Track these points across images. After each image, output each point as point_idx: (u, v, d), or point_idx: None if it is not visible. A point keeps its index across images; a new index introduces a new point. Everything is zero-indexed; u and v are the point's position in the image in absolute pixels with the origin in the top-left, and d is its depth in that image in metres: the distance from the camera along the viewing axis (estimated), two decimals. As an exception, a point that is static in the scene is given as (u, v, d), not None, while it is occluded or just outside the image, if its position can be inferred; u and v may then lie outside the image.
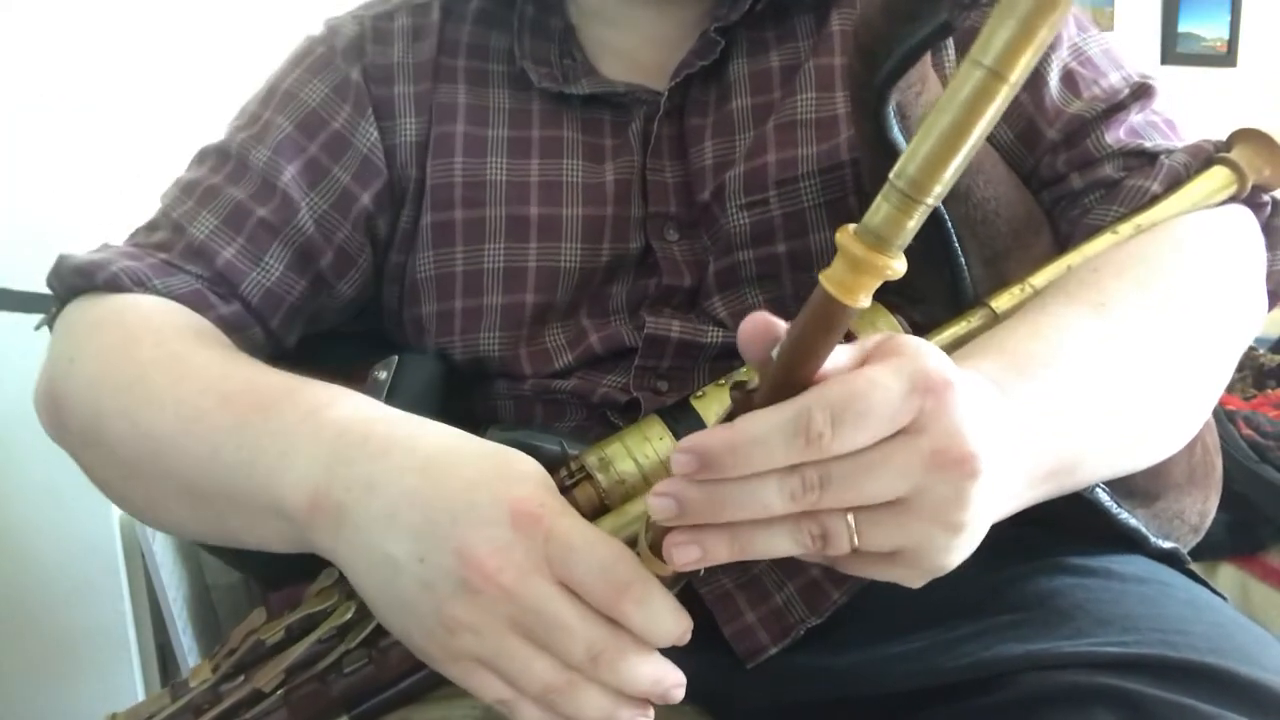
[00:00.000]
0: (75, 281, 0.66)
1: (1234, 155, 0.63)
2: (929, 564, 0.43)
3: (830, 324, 0.38)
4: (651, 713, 0.47)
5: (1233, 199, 0.64)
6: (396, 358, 0.68)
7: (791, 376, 0.40)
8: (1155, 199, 0.62)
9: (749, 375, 0.51)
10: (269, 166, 0.70)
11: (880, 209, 0.35)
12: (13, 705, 1.26)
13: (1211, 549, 1.27)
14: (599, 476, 0.54)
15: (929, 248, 0.59)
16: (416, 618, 0.47)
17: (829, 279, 0.37)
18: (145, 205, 0.73)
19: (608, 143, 0.70)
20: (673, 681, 0.46)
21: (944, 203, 0.59)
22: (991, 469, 0.42)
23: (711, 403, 0.57)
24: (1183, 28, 2.46)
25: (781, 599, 0.61)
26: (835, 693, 0.60)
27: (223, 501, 0.55)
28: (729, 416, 0.41)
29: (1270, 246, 0.65)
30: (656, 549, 0.43)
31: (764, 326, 0.41)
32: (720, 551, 0.42)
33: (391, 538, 0.47)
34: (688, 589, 0.47)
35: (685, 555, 0.42)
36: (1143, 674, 0.51)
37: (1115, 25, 2.49)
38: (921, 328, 0.59)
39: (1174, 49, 2.46)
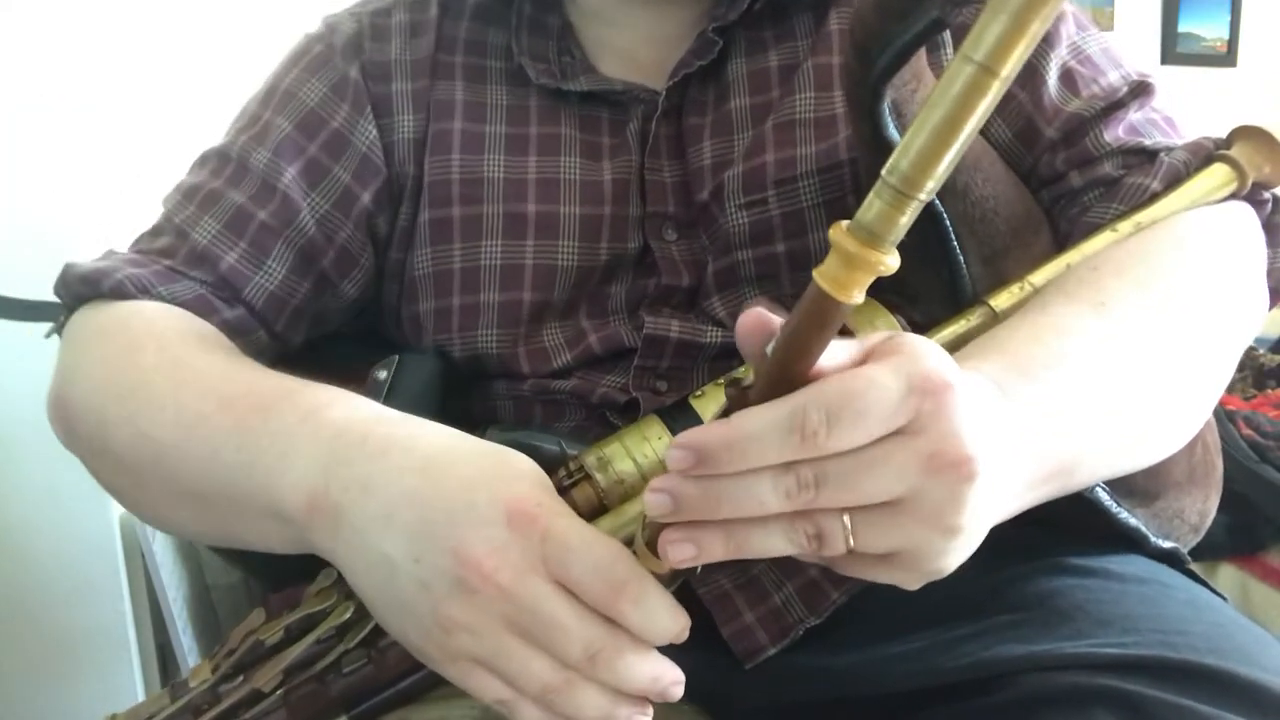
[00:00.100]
0: (81, 290, 0.67)
1: (1234, 152, 0.63)
2: (926, 566, 0.43)
3: (824, 320, 0.38)
4: (650, 711, 0.46)
5: (1233, 196, 0.64)
6: (397, 358, 0.68)
7: (786, 373, 0.40)
8: (1155, 197, 0.62)
9: (746, 373, 0.51)
10: (269, 168, 0.70)
11: (873, 205, 0.35)
12: (13, 705, 1.26)
13: (1211, 549, 1.27)
14: (598, 476, 0.54)
15: (927, 246, 0.59)
16: (414, 618, 0.47)
17: (822, 275, 0.37)
18: (145, 205, 0.73)
19: (605, 141, 0.70)
20: (671, 679, 0.46)
21: (942, 201, 0.59)
22: (989, 472, 0.41)
23: (710, 402, 0.57)
24: (1183, 28, 2.46)
25: (780, 599, 0.61)
26: (834, 693, 0.60)
27: (225, 504, 0.56)
28: (725, 413, 0.41)
29: (1271, 243, 0.65)
30: (653, 547, 0.43)
31: (760, 321, 0.41)
32: (715, 549, 0.42)
33: (388, 538, 0.47)
34: (686, 589, 0.47)
35: (680, 552, 0.42)
36: (1142, 675, 0.51)
37: (1115, 25, 2.50)
38: (921, 327, 0.59)
39: (1174, 49, 2.46)
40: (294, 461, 0.51)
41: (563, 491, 0.53)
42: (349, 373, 0.66)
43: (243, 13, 1.41)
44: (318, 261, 0.71)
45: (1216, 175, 0.63)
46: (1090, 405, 0.51)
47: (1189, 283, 0.58)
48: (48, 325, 0.71)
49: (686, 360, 0.67)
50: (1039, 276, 0.59)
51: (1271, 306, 0.65)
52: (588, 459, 0.55)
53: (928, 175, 0.34)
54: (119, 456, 0.60)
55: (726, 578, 0.62)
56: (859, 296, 0.37)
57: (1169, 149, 0.64)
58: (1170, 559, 0.65)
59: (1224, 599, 0.63)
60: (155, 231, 0.71)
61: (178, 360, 0.60)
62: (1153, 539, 0.64)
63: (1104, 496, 0.61)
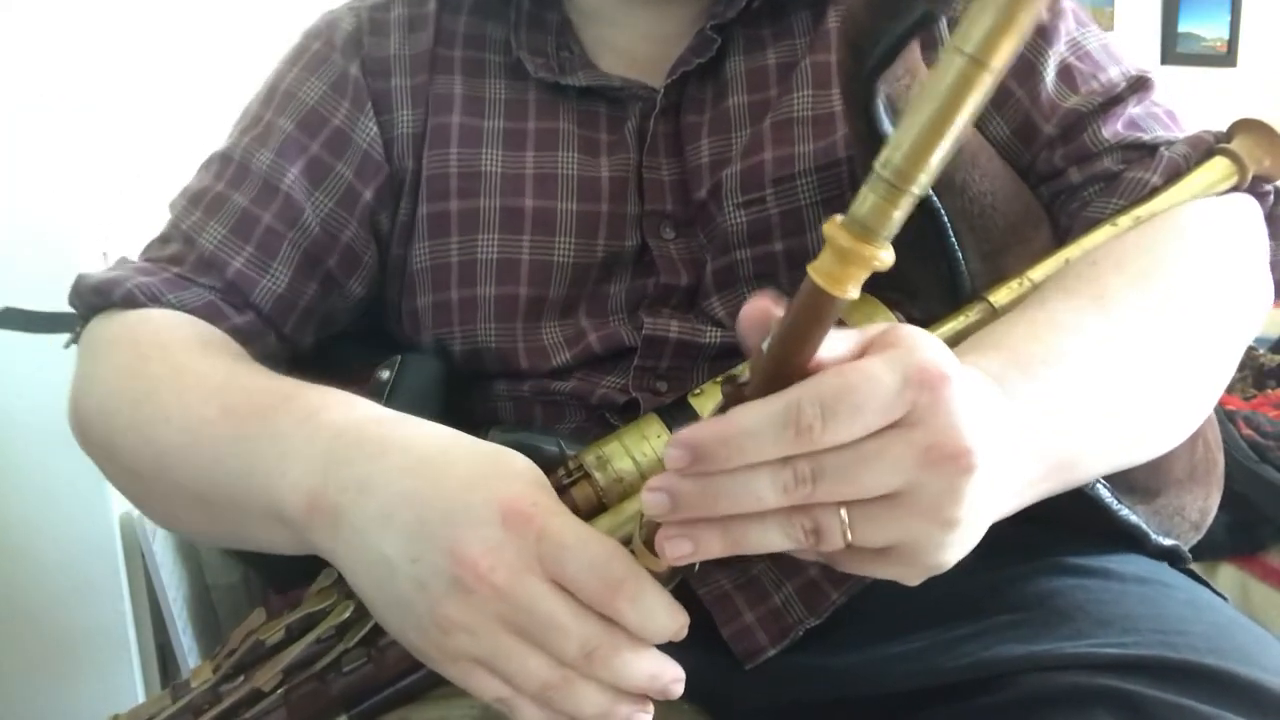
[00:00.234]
0: (94, 300, 0.68)
1: (1234, 146, 0.63)
2: (925, 560, 0.43)
3: (819, 315, 0.38)
4: (651, 708, 0.46)
5: (1233, 190, 0.63)
6: (400, 358, 0.68)
7: (782, 368, 0.40)
8: (1155, 191, 0.62)
9: (744, 371, 0.51)
10: (272, 169, 0.70)
11: (866, 199, 0.35)
12: (13, 705, 1.26)
13: (1211, 549, 1.27)
14: (597, 475, 0.54)
15: (926, 242, 0.59)
16: (412, 618, 0.47)
17: (817, 270, 0.37)
18: (145, 205, 0.74)
19: (603, 138, 0.70)
20: (671, 676, 0.46)
21: (940, 197, 0.59)
22: (988, 465, 0.41)
23: (709, 400, 0.57)
24: (1183, 28, 2.46)
25: (780, 599, 0.61)
26: (834, 693, 0.59)
27: (230, 508, 0.56)
28: (722, 410, 0.41)
29: (1274, 235, 0.65)
30: (651, 545, 0.43)
31: (762, 313, 0.41)
32: (713, 545, 0.42)
33: (386, 538, 0.47)
34: (686, 589, 0.47)
35: (677, 549, 0.42)
36: (1142, 675, 0.51)
37: (1115, 25, 2.50)
38: (920, 323, 0.58)
39: (1174, 49, 2.46)
40: (293, 463, 0.51)
41: (562, 491, 0.53)
42: (353, 373, 0.67)
43: (243, 12, 1.41)
44: (323, 261, 0.71)
45: (1217, 169, 0.63)
46: (1089, 403, 0.51)
47: (1190, 275, 0.58)
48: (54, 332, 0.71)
49: (686, 360, 0.67)
50: (1038, 272, 0.59)
51: (1276, 299, 0.65)
52: (587, 458, 0.55)
53: (920, 168, 0.34)
54: (128, 462, 0.62)
55: (726, 578, 0.61)
56: (854, 291, 0.36)
57: (1169, 143, 0.64)
58: (1171, 556, 0.65)
59: (1224, 599, 0.63)
60: (164, 239, 0.72)
61: (181, 368, 0.61)
62: (1153, 536, 0.64)
63: (1104, 493, 0.61)
